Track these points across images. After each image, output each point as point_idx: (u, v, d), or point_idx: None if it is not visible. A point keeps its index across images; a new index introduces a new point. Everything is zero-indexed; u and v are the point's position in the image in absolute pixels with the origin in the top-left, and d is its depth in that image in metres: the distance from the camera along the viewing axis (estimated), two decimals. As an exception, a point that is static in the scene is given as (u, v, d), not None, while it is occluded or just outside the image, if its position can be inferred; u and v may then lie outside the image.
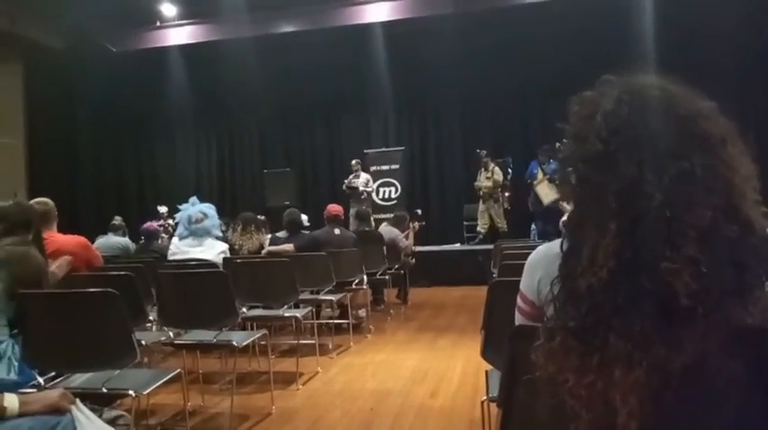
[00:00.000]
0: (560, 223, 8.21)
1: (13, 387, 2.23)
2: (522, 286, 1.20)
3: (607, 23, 9.41)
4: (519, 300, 1.21)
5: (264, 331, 3.77)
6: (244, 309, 4.24)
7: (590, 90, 0.97)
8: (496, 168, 9.80)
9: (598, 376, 0.84)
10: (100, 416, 1.72)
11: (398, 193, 11.13)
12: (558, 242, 1.01)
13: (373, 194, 10.57)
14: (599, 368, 0.84)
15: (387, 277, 6.72)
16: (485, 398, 2.31)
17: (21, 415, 1.51)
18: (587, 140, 0.91)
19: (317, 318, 5.37)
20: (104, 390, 2.45)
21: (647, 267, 0.81)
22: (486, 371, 2.41)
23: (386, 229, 7.33)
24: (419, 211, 9.41)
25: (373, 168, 10.87)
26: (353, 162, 10.16)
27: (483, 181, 9.85)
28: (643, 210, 0.83)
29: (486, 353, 2.23)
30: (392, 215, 8.32)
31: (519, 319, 1.20)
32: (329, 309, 6.04)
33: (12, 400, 1.50)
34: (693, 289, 0.79)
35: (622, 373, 0.82)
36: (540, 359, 0.92)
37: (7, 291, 2.37)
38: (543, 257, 1.14)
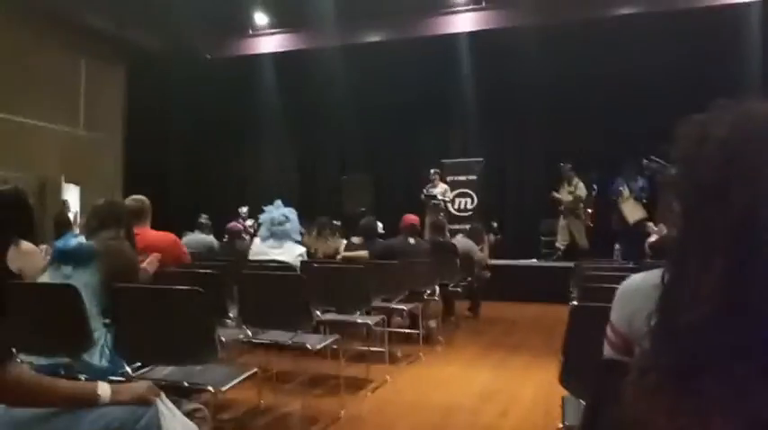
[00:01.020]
0: (646, 244, 7.89)
1: (103, 373, 2.37)
2: (612, 317, 1.14)
3: (707, 40, 8.93)
4: (608, 331, 1.15)
5: (337, 336, 3.81)
6: (318, 312, 4.32)
7: (700, 114, 0.92)
8: (580, 183, 9.48)
9: (691, 421, 0.79)
10: (179, 408, 1.78)
11: (475, 204, 11.00)
12: (654, 272, 0.97)
13: (449, 205, 10.50)
14: (694, 412, 0.79)
15: (459, 289, 6.65)
16: (561, 425, 2.23)
17: (111, 403, 1.59)
18: (696, 167, 0.86)
19: (388, 326, 5.38)
20: (186, 384, 2.55)
21: (756, 309, 0.76)
22: (563, 398, 2.32)
23: (461, 241, 7.26)
24: (495, 224, 9.25)
25: (450, 178, 10.81)
26: (432, 171, 10.13)
27: (564, 195, 9.56)
28: (756, 246, 0.77)
29: (565, 380, 2.15)
30: (468, 227, 8.23)
31: (608, 351, 1.15)
32: (399, 318, 6.04)
33: (105, 389, 1.59)
34: None
35: (720, 423, 0.76)
36: (629, 396, 0.88)
37: (103, 283, 2.53)
38: (637, 289, 1.08)
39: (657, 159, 7.67)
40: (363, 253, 5.81)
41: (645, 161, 8.26)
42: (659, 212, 6.99)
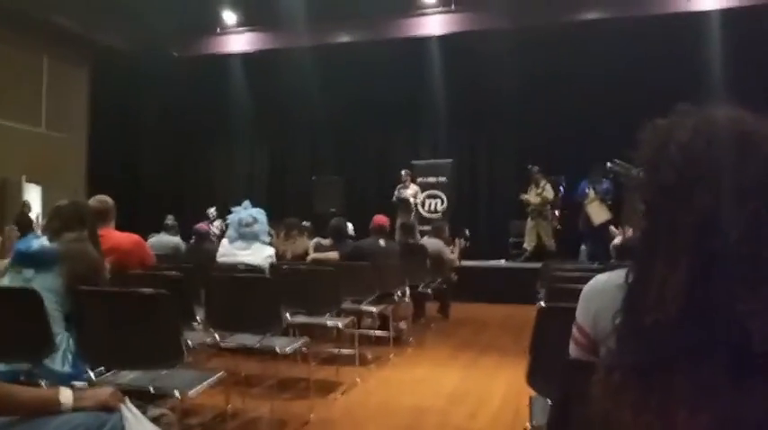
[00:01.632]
0: (611, 246, 8.06)
1: (66, 379, 2.31)
2: (578, 316, 1.16)
3: (672, 46, 9.16)
4: (574, 331, 1.17)
5: (307, 338, 3.79)
6: (287, 315, 4.28)
7: (661, 118, 0.94)
8: (548, 185, 9.63)
9: (657, 417, 0.81)
10: (144, 413, 1.75)
11: (444, 206, 11.07)
12: (618, 273, 0.98)
13: (420, 206, 10.54)
14: (659, 408, 0.80)
15: (429, 291, 6.68)
16: (528, 425, 2.25)
17: (73, 409, 1.55)
18: (660, 170, 0.88)
19: (358, 328, 5.37)
20: (151, 389, 2.51)
21: (721, 308, 0.78)
22: (530, 398, 2.35)
23: (432, 242, 7.28)
24: (467, 231, 9.32)
25: (420, 180, 10.85)
26: (403, 173, 10.14)
27: (532, 197, 9.70)
28: (719, 246, 0.80)
29: (532, 380, 2.18)
30: (430, 227, 8.25)
31: (573, 351, 1.16)
32: (370, 320, 6.04)
33: (67, 395, 1.55)
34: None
35: (686, 418, 0.78)
36: (596, 393, 0.89)
37: (65, 286, 2.47)
38: (602, 289, 1.10)
39: (621, 162, 7.83)
40: (333, 254, 5.79)
41: (609, 164, 8.44)
42: (624, 214, 7.13)
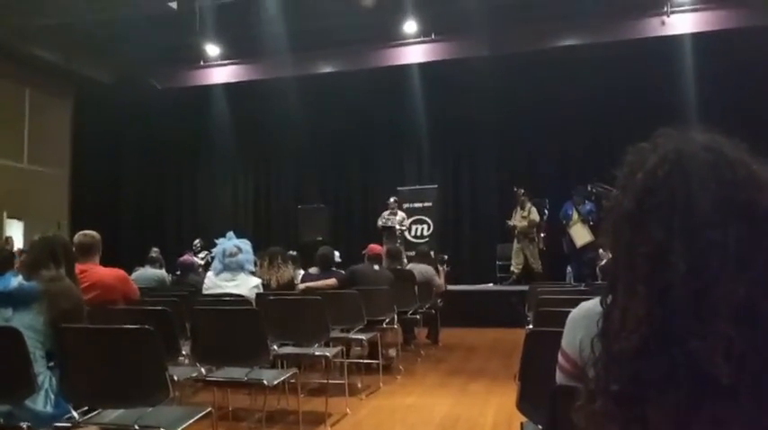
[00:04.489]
0: (597, 268, 8.10)
1: (48, 420, 2.27)
2: (563, 343, 1.16)
3: (650, 70, 9.36)
4: (560, 358, 1.17)
5: (295, 370, 3.75)
6: (275, 346, 4.24)
7: (646, 142, 0.94)
8: (533, 208, 9.71)
9: None
10: (130, 453, 1.71)
11: (431, 231, 11.10)
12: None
13: (406, 232, 10.56)
14: None
15: (417, 316, 6.65)
16: (520, 451, 2.24)
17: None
18: (626, 196, 0.89)
19: (347, 357, 5.32)
20: (136, 428, 2.45)
21: (678, 340, 0.76)
22: (522, 424, 2.34)
23: (420, 267, 7.30)
24: (446, 257, 9.37)
25: (406, 205, 10.88)
26: (391, 200, 10.16)
27: (519, 220, 9.76)
28: (670, 279, 0.78)
29: (522, 406, 2.17)
30: (414, 253, 8.30)
31: (560, 378, 1.16)
32: (359, 348, 5.98)
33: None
34: (725, 370, 0.74)
35: None
36: (581, 421, 0.89)
37: (47, 324, 2.43)
38: (585, 316, 1.10)
39: (602, 184, 7.94)
40: (332, 281, 5.76)
41: (590, 186, 8.56)
42: (599, 237, 7.21)
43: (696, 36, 9.28)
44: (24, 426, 2.15)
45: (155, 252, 7.45)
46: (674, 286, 0.78)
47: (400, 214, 10.09)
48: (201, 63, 11.58)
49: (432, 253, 8.03)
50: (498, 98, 10.28)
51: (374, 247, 6.51)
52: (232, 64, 11.54)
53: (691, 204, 0.81)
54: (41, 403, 2.33)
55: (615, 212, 0.90)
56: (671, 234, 0.80)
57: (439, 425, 4.16)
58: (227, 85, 11.61)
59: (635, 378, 0.80)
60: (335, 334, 4.84)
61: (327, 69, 11.02)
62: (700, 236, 0.79)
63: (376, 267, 6.17)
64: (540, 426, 2.02)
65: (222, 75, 11.64)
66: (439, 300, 7.56)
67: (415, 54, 10.63)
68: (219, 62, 11.54)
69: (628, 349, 0.80)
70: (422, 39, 10.47)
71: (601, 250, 8.62)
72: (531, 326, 2.87)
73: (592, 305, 1.11)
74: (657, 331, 0.78)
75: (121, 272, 3.77)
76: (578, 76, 9.75)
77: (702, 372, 0.75)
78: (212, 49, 11.25)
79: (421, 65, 10.59)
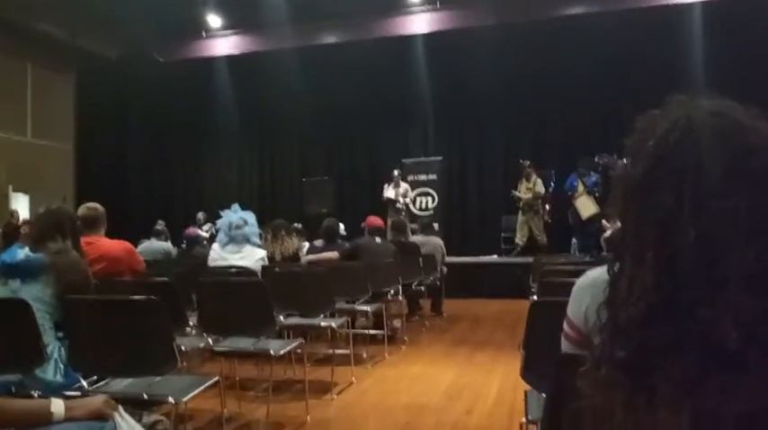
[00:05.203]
0: (601, 239, 8.08)
1: (58, 389, 2.30)
2: (569, 312, 1.16)
3: (657, 38, 9.21)
4: (566, 326, 1.17)
5: (301, 340, 3.78)
6: (281, 317, 4.27)
7: (657, 109, 0.92)
8: (538, 180, 9.67)
9: (645, 415, 0.80)
10: (139, 420, 1.73)
11: (435, 203, 11.08)
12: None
13: (411, 205, 10.55)
14: (646, 407, 0.80)
15: (422, 288, 6.69)
16: (523, 420, 2.26)
17: (66, 420, 1.53)
18: (636, 163, 0.87)
19: (353, 328, 5.37)
20: (145, 396, 2.49)
21: (687, 308, 0.76)
22: (526, 392, 2.36)
23: (427, 239, 7.34)
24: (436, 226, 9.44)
25: (411, 178, 10.86)
26: (395, 173, 10.14)
27: (523, 191, 9.73)
28: (679, 247, 0.78)
29: (526, 375, 2.19)
30: (417, 225, 8.37)
31: (565, 346, 1.17)
32: (364, 319, 6.03)
33: (58, 406, 1.53)
34: (734, 338, 0.73)
35: (667, 417, 0.78)
36: (586, 388, 0.89)
37: (55, 296, 2.45)
38: (591, 284, 1.10)
39: (609, 155, 7.88)
40: (333, 254, 5.77)
41: (597, 157, 8.49)
42: (607, 207, 7.19)
43: (704, 3, 9.11)
44: (35, 395, 2.18)
45: (160, 225, 7.48)
46: (684, 254, 0.77)
47: (403, 186, 10.07)
48: (204, 35, 11.46)
49: (435, 225, 8.09)
50: (504, 68, 10.14)
51: (372, 220, 6.43)
52: (235, 34, 11.42)
53: (701, 171, 0.80)
54: (51, 372, 2.37)
55: (625, 180, 0.89)
56: (681, 201, 0.79)
57: (444, 393, 4.21)
58: (230, 58, 11.52)
59: (641, 346, 0.79)
60: (341, 305, 4.88)
61: (331, 40, 10.89)
62: (710, 203, 0.78)
63: (378, 239, 6.17)
64: (543, 394, 2.04)
65: (225, 46, 11.53)
66: (444, 269, 7.60)
67: (419, 23, 10.48)
68: (222, 32, 11.41)
69: (635, 317, 0.79)
70: (427, 7, 10.31)
71: (605, 221, 8.61)
72: (535, 298, 2.88)
73: (598, 273, 1.10)
74: (665, 299, 0.77)
75: (127, 244, 3.78)
76: (585, 45, 9.59)
77: (710, 341, 0.74)
78: (215, 20, 11.12)
79: (426, 35, 10.44)
